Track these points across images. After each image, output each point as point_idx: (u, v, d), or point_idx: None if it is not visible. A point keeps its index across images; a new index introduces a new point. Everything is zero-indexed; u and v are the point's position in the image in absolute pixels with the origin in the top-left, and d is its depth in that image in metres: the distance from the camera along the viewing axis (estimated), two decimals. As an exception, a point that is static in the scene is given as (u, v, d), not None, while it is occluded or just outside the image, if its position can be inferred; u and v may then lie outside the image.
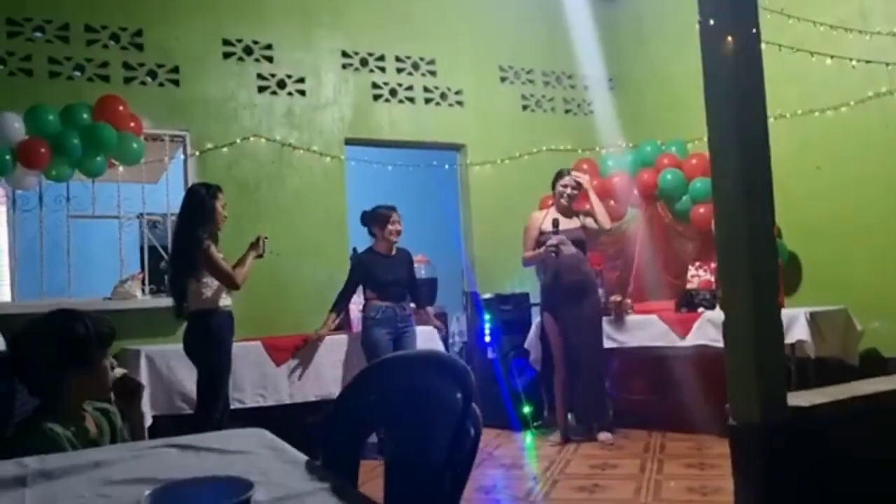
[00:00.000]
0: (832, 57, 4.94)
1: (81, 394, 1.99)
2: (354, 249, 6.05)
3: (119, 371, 2.20)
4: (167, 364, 4.78)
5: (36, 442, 1.75)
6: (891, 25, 5.34)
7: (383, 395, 1.28)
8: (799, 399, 3.16)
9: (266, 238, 4.51)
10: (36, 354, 1.93)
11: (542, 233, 5.45)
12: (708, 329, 5.14)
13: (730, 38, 3.35)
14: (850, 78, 5.46)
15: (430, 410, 1.21)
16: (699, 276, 5.94)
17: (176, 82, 5.73)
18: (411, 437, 1.22)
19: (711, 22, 3.38)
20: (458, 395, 1.20)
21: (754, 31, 3.44)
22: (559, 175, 5.59)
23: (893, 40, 5.24)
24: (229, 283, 4.29)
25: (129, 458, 1.58)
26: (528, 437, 5.70)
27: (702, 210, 6.09)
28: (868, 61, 5.14)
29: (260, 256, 4.49)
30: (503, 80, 7.13)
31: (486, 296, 6.37)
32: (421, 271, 7.05)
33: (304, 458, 1.40)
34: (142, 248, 5.80)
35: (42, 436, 1.81)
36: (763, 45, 3.45)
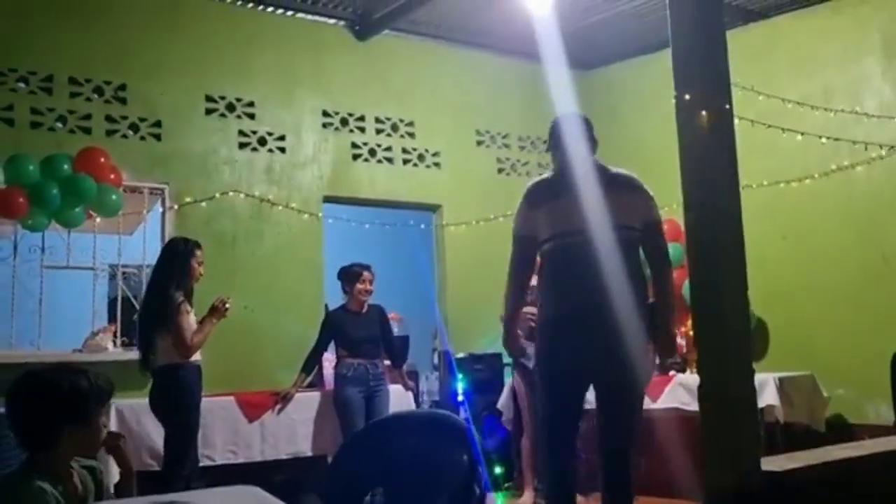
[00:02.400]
0: (802, 134, 5.15)
1: (74, 450, 1.98)
2: (326, 306, 6.07)
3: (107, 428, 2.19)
4: (137, 419, 4.71)
5: (26, 501, 1.73)
6: (851, 103, 5.61)
7: (384, 455, 1.31)
8: (772, 465, 3.22)
9: (228, 299, 4.43)
10: (35, 408, 1.92)
11: None
12: (680, 392, 5.21)
13: (704, 113, 3.50)
14: (814, 152, 5.70)
15: (435, 471, 1.24)
16: (670, 339, 6.03)
17: (158, 136, 5.78)
18: (414, 496, 1.25)
19: (687, 97, 3.54)
20: (465, 457, 1.23)
21: (727, 106, 3.61)
22: None
23: (854, 118, 5.50)
24: (181, 349, 4.18)
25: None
26: (498, 499, 5.67)
27: (673, 275, 6.22)
28: (836, 139, 5.35)
29: (222, 317, 4.42)
30: (479, 143, 7.29)
31: (459, 355, 6.40)
32: (394, 328, 7.07)
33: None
34: (115, 300, 5.75)
35: (31, 495, 1.78)
36: (736, 120, 3.62)
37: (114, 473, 4.40)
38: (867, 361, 5.11)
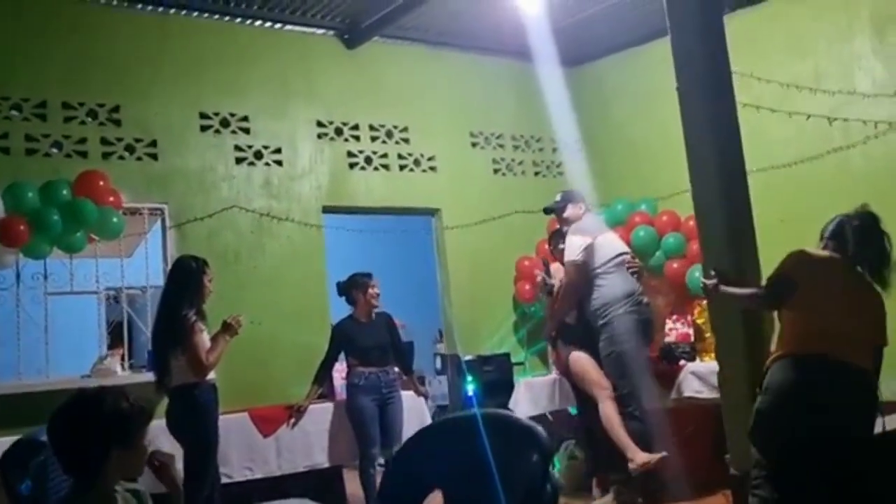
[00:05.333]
0: (809, 116, 5.17)
1: (120, 473, 1.97)
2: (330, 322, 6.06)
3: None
4: (151, 441, 4.65)
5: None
6: (844, 84, 5.65)
7: (446, 455, 1.31)
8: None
9: (241, 316, 4.44)
10: (80, 433, 1.90)
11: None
12: (692, 381, 5.22)
13: (707, 101, 3.54)
14: (809, 134, 5.73)
15: (503, 471, 1.24)
16: (676, 328, 6.07)
17: (154, 156, 5.75)
18: (482, 498, 1.24)
19: (690, 88, 3.57)
20: (535, 457, 1.23)
21: (730, 92, 3.65)
22: (550, 237, 5.79)
23: (847, 98, 5.54)
24: (196, 368, 4.19)
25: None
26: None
27: (675, 265, 6.26)
28: (836, 118, 5.36)
29: (235, 334, 4.42)
30: (474, 145, 7.29)
31: (468, 357, 6.40)
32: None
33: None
34: (120, 323, 5.71)
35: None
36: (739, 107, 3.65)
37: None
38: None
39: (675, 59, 3.63)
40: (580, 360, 5.16)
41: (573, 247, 5.09)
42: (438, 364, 8.63)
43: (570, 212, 5.33)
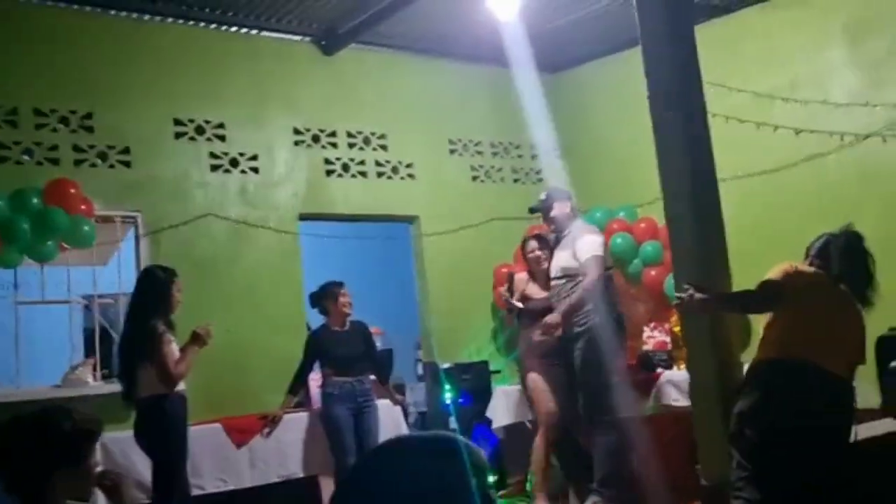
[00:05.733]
0: (776, 127, 5.17)
1: (66, 494, 1.92)
2: (308, 326, 6.03)
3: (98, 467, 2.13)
4: (123, 453, 4.62)
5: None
6: (818, 93, 5.67)
7: (387, 481, 1.28)
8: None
9: (210, 326, 4.38)
10: (23, 452, 1.86)
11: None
12: (669, 390, 5.22)
13: (678, 111, 3.53)
14: (784, 143, 5.75)
15: (443, 495, 1.21)
16: (654, 336, 6.07)
17: (127, 163, 5.69)
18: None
19: (659, 95, 3.56)
20: (474, 482, 1.21)
21: (700, 102, 3.64)
22: (522, 243, 5.54)
23: (822, 107, 5.56)
24: (165, 380, 4.13)
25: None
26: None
27: (653, 272, 6.26)
28: (811, 131, 5.38)
29: (204, 345, 4.36)
30: (452, 152, 7.27)
31: (445, 365, 6.37)
32: (376, 343, 7.04)
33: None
34: (93, 332, 5.64)
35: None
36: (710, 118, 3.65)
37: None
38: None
39: (645, 68, 3.63)
40: (536, 382, 5.15)
41: (596, 243, 5.03)
42: (420, 371, 8.60)
43: (556, 210, 5.24)
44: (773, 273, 3.30)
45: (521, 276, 5.45)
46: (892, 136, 5.39)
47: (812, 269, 3.37)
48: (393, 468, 1.31)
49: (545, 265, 5.29)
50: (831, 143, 5.60)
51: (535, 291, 5.31)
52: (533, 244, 5.39)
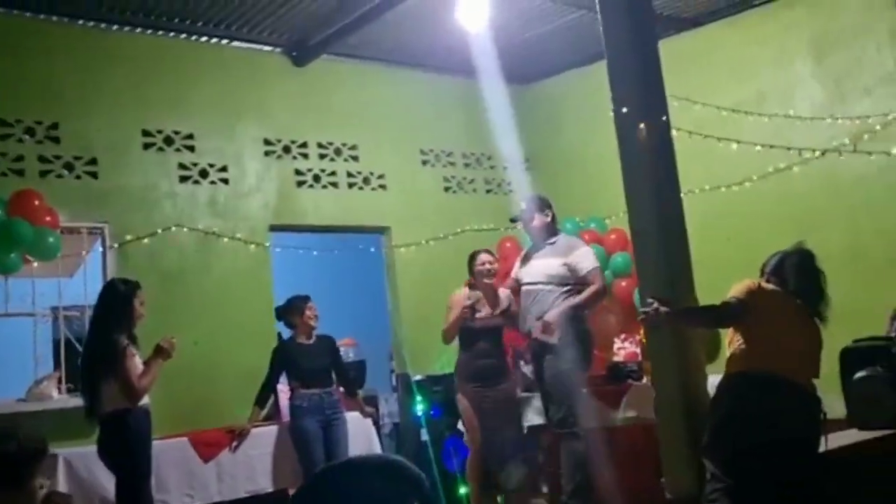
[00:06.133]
0: (738, 142, 5.22)
1: (10, 516, 1.88)
2: (280, 335, 5.98)
3: (46, 489, 2.09)
4: (87, 468, 4.55)
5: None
6: (784, 107, 5.75)
7: (338, 500, 1.28)
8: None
9: (173, 338, 4.32)
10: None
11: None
12: (639, 401, 5.23)
13: (642, 125, 3.56)
14: (752, 155, 5.81)
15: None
16: (625, 347, 6.09)
17: (94, 174, 5.63)
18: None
19: (624, 110, 3.59)
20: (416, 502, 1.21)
21: (664, 117, 3.67)
22: (473, 256, 5.42)
23: (788, 121, 5.63)
24: (129, 394, 4.07)
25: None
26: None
27: (623, 284, 6.29)
28: (771, 146, 5.44)
29: (168, 358, 4.30)
30: (425, 163, 7.28)
31: (417, 377, 6.35)
32: (349, 354, 7.01)
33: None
34: (58, 345, 5.56)
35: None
36: (674, 132, 3.67)
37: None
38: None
39: (610, 82, 3.65)
40: (464, 405, 5.22)
41: (594, 255, 5.10)
42: (394, 381, 8.57)
43: (537, 220, 5.18)
44: (737, 290, 3.36)
45: (457, 299, 5.33)
46: (850, 151, 5.46)
47: (771, 286, 3.43)
48: (339, 489, 1.31)
49: (493, 280, 5.31)
50: (796, 155, 5.67)
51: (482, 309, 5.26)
52: (486, 256, 5.35)
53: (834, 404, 4.50)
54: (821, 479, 3.24)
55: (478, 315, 5.18)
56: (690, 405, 3.28)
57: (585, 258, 5.01)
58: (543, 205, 5.25)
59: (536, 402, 5.61)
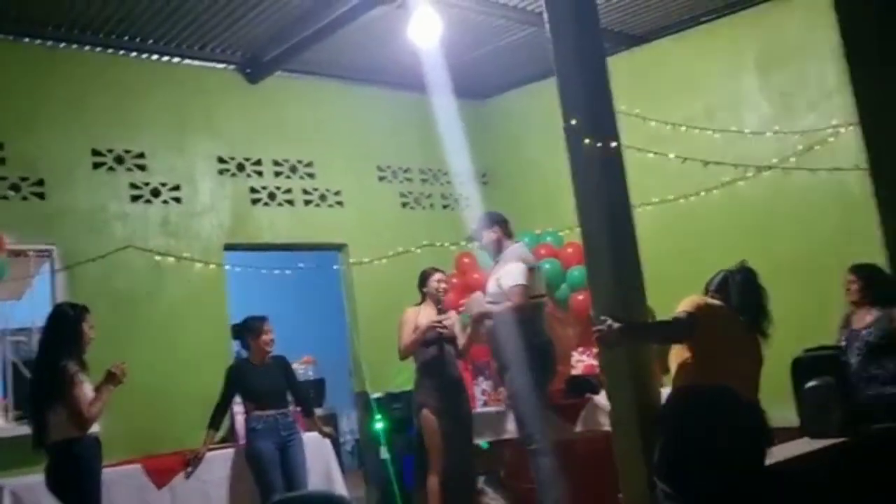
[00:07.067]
0: (684, 160, 5.29)
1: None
2: (238, 353, 5.89)
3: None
4: (35, 500, 4.41)
5: None
6: (732, 121, 5.85)
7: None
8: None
9: (124, 363, 4.23)
10: None
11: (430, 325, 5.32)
12: (596, 414, 5.25)
13: (591, 140, 3.58)
14: (701, 169, 5.89)
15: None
16: (583, 361, 6.10)
17: (41, 195, 5.51)
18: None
19: (574, 125, 3.62)
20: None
21: (613, 131, 3.70)
22: (427, 275, 5.49)
23: (736, 135, 5.73)
24: (78, 422, 3.99)
25: None
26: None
27: (580, 297, 6.31)
28: (718, 163, 5.52)
29: (119, 383, 4.20)
30: (381, 179, 7.26)
31: (376, 395, 6.30)
32: (308, 372, 6.93)
33: None
34: (5, 370, 5.41)
35: None
36: (623, 146, 3.71)
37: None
38: (770, 367, 5.29)
39: (560, 98, 3.68)
40: (430, 425, 5.19)
41: (519, 272, 4.99)
42: (355, 399, 8.50)
43: (485, 237, 5.27)
44: (686, 305, 3.41)
45: (410, 316, 5.39)
46: (795, 168, 5.57)
47: (718, 302, 3.49)
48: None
49: (444, 298, 5.39)
50: (745, 170, 5.77)
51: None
52: (439, 276, 5.45)
53: (785, 412, 4.58)
54: (770, 493, 3.28)
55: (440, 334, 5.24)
56: (645, 419, 3.29)
57: (508, 275, 5.04)
58: (493, 221, 5.31)
59: (498, 417, 5.63)
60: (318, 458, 5.43)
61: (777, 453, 3.55)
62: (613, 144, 3.44)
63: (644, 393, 3.42)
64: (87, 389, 4.04)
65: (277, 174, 6.64)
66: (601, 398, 5.47)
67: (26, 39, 5.60)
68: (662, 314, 5.99)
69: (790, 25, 5.85)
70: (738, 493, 3.12)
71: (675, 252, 6.09)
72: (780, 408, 4.61)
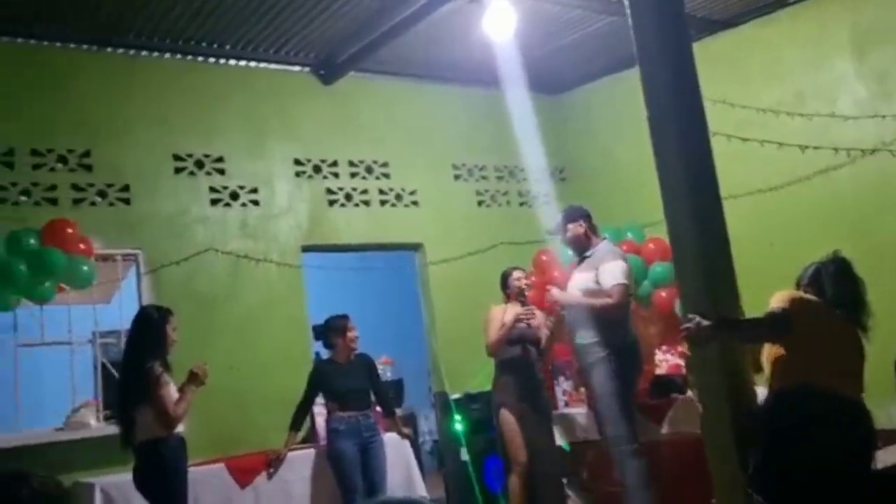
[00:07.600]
0: (780, 144, 5.03)
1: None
2: (318, 355, 5.92)
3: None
4: (125, 498, 4.51)
5: None
6: (826, 106, 5.54)
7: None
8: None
9: (205, 364, 4.27)
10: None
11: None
12: (683, 414, 5.06)
13: (677, 130, 3.42)
14: (794, 157, 5.61)
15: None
16: (667, 360, 5.90)
17: (126, 200, 5.64)
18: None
19: (658, 115, 3.46)
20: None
21: (700, 120, 3.53)
22: (507, 274, 5.40)
23: (831, 119, 5.43)
24: (165, 422, 4.05)
25: None
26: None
27: (663, 294, 6.11)
28: (816, 148, 5.25)
29: (202, 384, 4.25)
30: (457, 177, 7.19)
31: (455, 395, 6.23)
32: (387, 373, 6.91)
33: None
34: (95, 371, 5.56)
35: None
36: (711, 133, 3.53)
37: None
38: (873, 364, 4.99)
39: (643, 88, 3.53)
40: (509, 423, 5.10)
41: (621, 270, 4.88)
42: (433, 399, 8.47)
43: (570, 232, 5.08)
44: (780, 301, 3.20)
45: (497, 313, 5.30)
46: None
47: (813, 297, 3.28)
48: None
49: (527, 296, 5.27)
50: (841, 156, 5.47)
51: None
52: (519, 273, 5.36)
53: (892, 413, 4.30)
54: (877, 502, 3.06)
55: (528, 326, 5.18)
56: (738, 423, 3.10)
57: (607, 273, 4.86)
58: (576, 215, 5.13)
59: (579, 418, 5.50)
60: (399, 459, 5.41)
61: (883, 457, 3.33)
62: (701, 133, 3.26)
63: (738, 395, 3.23)
64: (172, 390, 4.10)
65: (353, 175, 6.65)
66: (688, 398, 5.28)
67: (109, 49, 5.75)
68: (752, 312, 5.76)
69: (887, 3, 5.50)
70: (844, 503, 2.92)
71: (763, 244, 5.82)
72: (885, 407, 4.35)
